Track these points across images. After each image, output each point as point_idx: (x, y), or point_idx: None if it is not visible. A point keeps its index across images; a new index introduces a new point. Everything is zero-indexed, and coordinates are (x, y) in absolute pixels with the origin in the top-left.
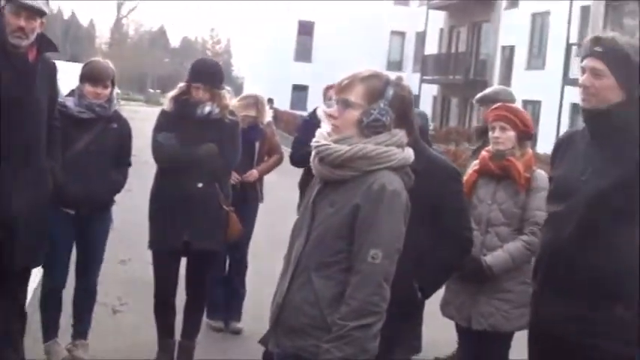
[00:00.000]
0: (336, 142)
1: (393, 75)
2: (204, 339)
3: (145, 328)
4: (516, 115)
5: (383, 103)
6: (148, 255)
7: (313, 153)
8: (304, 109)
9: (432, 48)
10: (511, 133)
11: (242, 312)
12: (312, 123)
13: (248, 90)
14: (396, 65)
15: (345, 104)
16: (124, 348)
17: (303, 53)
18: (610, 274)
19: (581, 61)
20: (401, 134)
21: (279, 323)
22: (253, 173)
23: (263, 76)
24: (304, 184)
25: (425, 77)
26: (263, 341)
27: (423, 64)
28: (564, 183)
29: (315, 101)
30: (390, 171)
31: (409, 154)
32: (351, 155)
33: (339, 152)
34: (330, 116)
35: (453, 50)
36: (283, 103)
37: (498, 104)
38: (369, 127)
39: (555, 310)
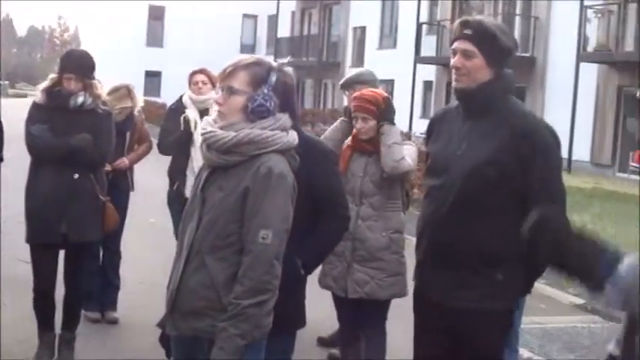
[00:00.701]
0: (222, 128)
1: None
2: (83, 330)
3: (24, 324)
4: (375, 105)
5: (267, 89)
6: (19, 251)
7: (201, 140)
8: (158, 95)
9: (284, 31)
10: (372, 123)
11: (117, 301)
12: (177, 111)
13: (99, 78)
14: (249, 49)
15: (230, 91)
16: (4, 346)
17: (155, 38)
18: (489, 242)
19: (451, 44)
20: (285, 118)
21: (175, 307)
22: (124, 161)
23: (114, 63)
24: (173, 172)
25: (278, 60)
26: (160, 325)
27: (276, 46)
28: (441, 158)
29: (168, 87)
30: (276, 154)
31: (293, 137)
32: (238, 141)
33: (225, 138)
34: (215, 103)
35: (305, 32)
36: (136, 90)
37: (357, 94)
38: (254, 113)
39: (438, 279)
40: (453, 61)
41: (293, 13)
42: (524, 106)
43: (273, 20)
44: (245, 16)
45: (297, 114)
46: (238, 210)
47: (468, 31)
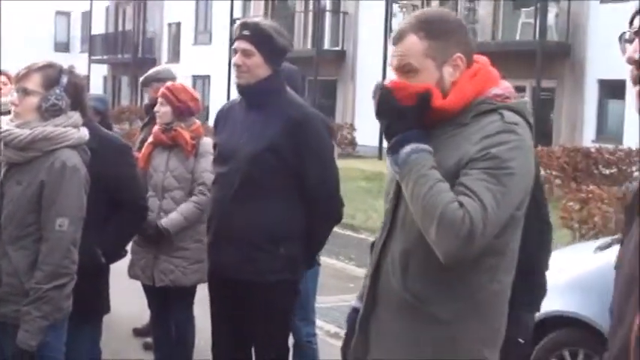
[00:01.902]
0: (18, 126)
1: (60, 57)
2: None
3: None
4: (173, 93)
5: (59, 90)
6: None
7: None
8: None
9: (98, 27)
10: (167, 108)
11: None
12: None
13: None
14: (63, 46)
15: (25, 92)
16: None
17: None
18: (271, 220)
19: (232, 43)
20: (76, 116)
21: None
22: None
23: None
24: None
25: (93, 57)
26: None
27: (91, 44)
28: (227, 147)
29: None
30: (69, 149)
31: (84, 133)
32: (33, 138)
33: (21, 136)
34: (12, 104)
35: (120, 29)
36: None
37: (169, 84)
38: (48, 111)
39: (228, 257)
40: (234, 59)
41: (107, 9)
42: (298, 98)
43: (87, 17)
44: (58, 13)
45: (88, 111)
46: (35, 202)
47: (246, 32)
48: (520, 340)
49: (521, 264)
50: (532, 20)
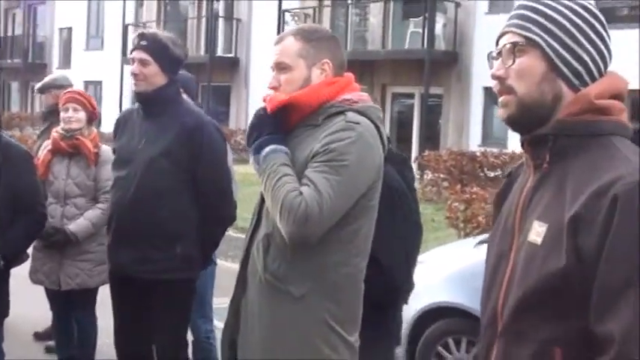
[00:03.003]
0: None
1: None
2: None
3: None
4: (86, 98)
5: None
6: None
7: None
8: None
9: None
10: (82, 114)
11: None
12: None
13: None
14: None
15: None
16: None
17: None
18: (167, 221)
19: (131, 52)
20: None
21: None
22: None
23: None
24: None
25: None
26: None
27: None
28: (125, 152)
29: None
30: None
31: None
32: None
33: None
34: None
35: (9, 33)
36: None
37: (70, 89)
38: None
39: (127, 257)
40: (132, 68)
41: None
42: (193, 105)
43: None
44: None
45: None
46: None
47: (144, 43)
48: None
49: (398, 258)
50: (420, 30)
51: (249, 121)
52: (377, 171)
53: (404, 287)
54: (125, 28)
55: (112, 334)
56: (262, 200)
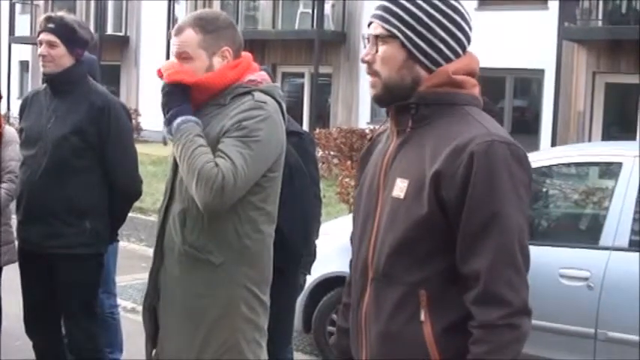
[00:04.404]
0: None
1: None
2: None
3: None
4: None
5: None
6: None
7: None
8: None
9: None
10: None
11: None
12: None
13: None
14: None
15: None
16: None
17: None
18: (77, 197)
19: (38, 35)
20: None
21: None
22: None
23: None
24: None
25: None
26: None
27: None
28: (34, 131)
29: None
30: None
31: None
32: None
33: None
34: None
35: None
36: None
37: None
38: None
39: (38, 233)
40: (39, 50)
41: None
42: (99, 85)
43: None
44: None
45: None
46: None
47: (51, 25)
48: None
49: (299, 229)
50: (310, 10)
51: (139, 101)
52: (282, 145)
53: (303, 255)
54: (12, 5)
55: (18, 317)
56: (174, 176)
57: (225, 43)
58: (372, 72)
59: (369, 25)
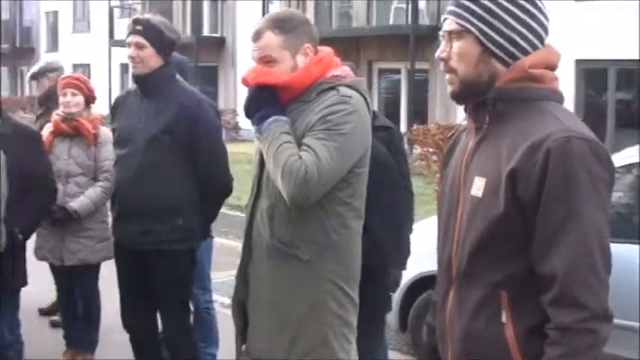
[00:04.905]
0: None
1: None
2: None
3: None
4: (83, 82)
5: None
6: None
7: None
8: None
9: None
10: (80, 98)
11: None
12: None
13: None
14: None
15: None
16: None
17: None
18: (169, 194)
19: (127, 37)
20: None
21: None
22: None
23: None
24: None
25: None
26: None
27: None
28: (125, 131)
29: None
30: None
31: None
32: None
33: None
34: None
35: None
36: None
37: (66, 75)
38: None
39: (132, 230)
40: (129, 52)
41: None
42: (188, 85)
43: None
44: None
45: None
46: None
47: (139, 27)
48: (391, 293)
49: (389, 228)
50: (404, 5)
51: (237, 101)
52: (367, 140)
53: (392, 253)
54: (111, 10)
55: (117, 312)
56: (260, 172)
57: (305, 40)
58: (449, 69)
59: (443, 22)
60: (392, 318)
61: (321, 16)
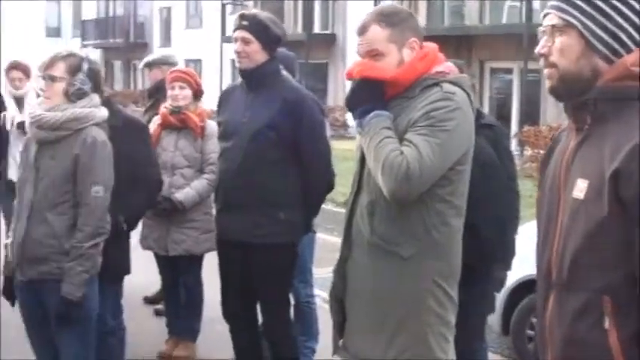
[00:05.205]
0: (48, 110)
1: (52, 43)
2: None
3: None
4: (191, 76)
5: (82, 75)
6: None
7: (30, 121)
8: None
9: (90, 12)
10: (188, 91)
11: None
12: None
13: None
14: (54, 32)
15: (52, 79)
16: None
17: None
18: (272, 188)
19: (233, 32)
20: (96, 98)
21: (23, 257)
22: None
23: None
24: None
25: (85, 42)
26: (4, 273)
27: (83, 29)
28: (230, 125)
29: None
30: (96, 127)
31: (104, 112)
32: (66, 118)
33: (54, 118)
34: (40, 90)
35: (111, 14)
36: None
37: (175, 68)
38: (74, 95)
39: (234, 222)
40: (235, 47)
41: None
42: (293, 80)
43: (77, 2)
44: None
45: (103, 93)
46: (70, 173)
47: (245, 23)
48: (495, 293)
49: (493, 227)
50: (518, 3)
51: None
52: (470, 137)
53: (495, 252)
54: (223, 6)
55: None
56: (361, 168)
57: (411, 34)
58: (549, 64)
59: (544, 17)
60: (494, 319)
61: (433, 14)
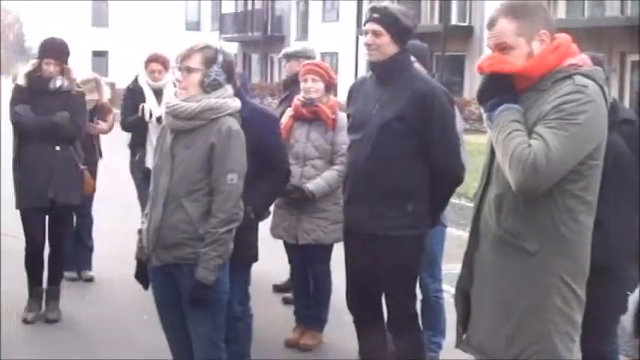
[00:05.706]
0: (184, 100)
1: (191, 36)
2: (63, 288)
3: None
4: (324, 69)
5: (217, 67)
6: None
7: (166, 111)
8: (105, 74)
9: (228, 6)
10: (320, 84)
11: (91, 261)
12: (134, 90)
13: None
14: (194, 25)
15: (188, 70)
16: None
17: (100, 18)
18: (399, 181)
19: (364, 25)
20: (230, 89)
21: (158, 242)
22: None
23: None
24: (134, 145)
25: (224, 36)
26: (138, 259)
27: (221, 22)
28: (359, 117)
29: (115, 66)
30: (229, 116)
31: (238, 102)
32: (201, 109)
33: (190, 108)
34: (176, 81)
35: (249, 8)
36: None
37: (309, 61)
38: (209, 86)
39: (362, 213)
40: (365, 39)
41: None
42: (423, 73)
43: None
44: None
45: (236, 84)
46: (206, 161)
47: (375, 15)
48: (628, 292)
49: (625, 225)
50: None
51: None
52: (603, 131)
53: (627, 251)
54: (359, 2)
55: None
56: (490, 161)
57: (541, 26)
58: None
59: None
60: (627, 321)
61: (573, 5)
